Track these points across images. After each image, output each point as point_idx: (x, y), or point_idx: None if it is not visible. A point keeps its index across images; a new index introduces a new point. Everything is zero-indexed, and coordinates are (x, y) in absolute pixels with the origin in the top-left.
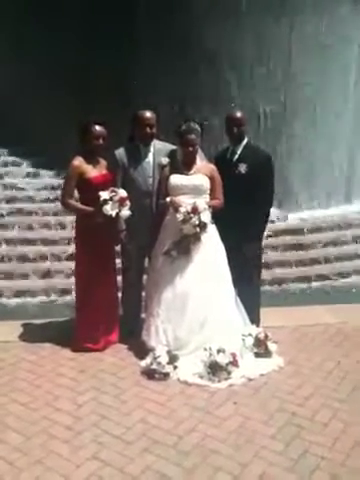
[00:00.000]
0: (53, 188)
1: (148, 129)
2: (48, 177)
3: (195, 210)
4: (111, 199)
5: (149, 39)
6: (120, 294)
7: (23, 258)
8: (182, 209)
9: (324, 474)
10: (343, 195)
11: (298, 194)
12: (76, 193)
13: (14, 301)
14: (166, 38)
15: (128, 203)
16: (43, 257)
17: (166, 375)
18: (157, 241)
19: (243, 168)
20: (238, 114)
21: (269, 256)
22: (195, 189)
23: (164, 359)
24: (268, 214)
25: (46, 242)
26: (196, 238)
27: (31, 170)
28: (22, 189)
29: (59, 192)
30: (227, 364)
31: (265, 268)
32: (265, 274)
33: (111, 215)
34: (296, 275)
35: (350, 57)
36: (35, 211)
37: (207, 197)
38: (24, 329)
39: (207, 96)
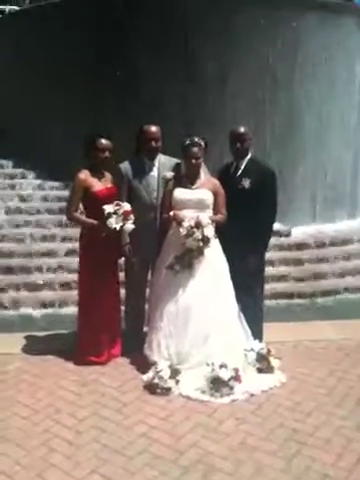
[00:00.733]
0: (59, 199)
1: (153, 143)
2: (53, 189)
3: (198, 224)
4: (115, 212)
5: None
6: (123, 307)
7: (27, 270)
8: (185, 223)
9: None
10: (347, 210)
11: (302, 208)
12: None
13: (17, 312)
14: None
15: (132, 217)
16: (47, 269)
17: (168, 390)
18: (160, 255)
19: (247, 183)
20: (242, 129)
21: (271, 270)
22: (199, 203)
23: (166, 373)
24: (271, 229)
25: (51, 254)
26: (199, 252)
27: (37, 182)
28: (28, 200)
29: (64, 203)
30: (229, 379)
31: (267, 282)
32: (267, 288)
33: (115, 228)
34: (299, 290)
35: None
36: (41, 222)
37: (210, 211)
38: (27, 341)
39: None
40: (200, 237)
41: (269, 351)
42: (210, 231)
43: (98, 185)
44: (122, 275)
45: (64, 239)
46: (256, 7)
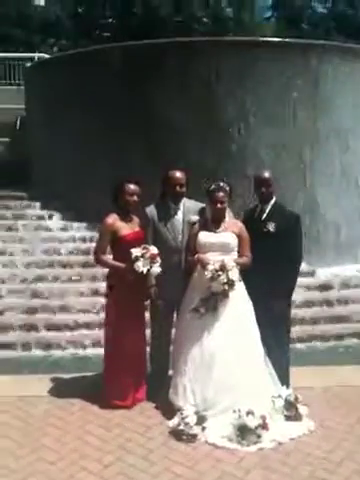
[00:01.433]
0: (84, 240)
1: (178, 188)
2: (79, 230)
3: (223, 268)
4: (143, 256)
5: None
6: (148, 350)
7: (53, 309)
8: (210, 267)
9: None
10: None
11: (326, 249)
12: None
13: (43, 353)
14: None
15: (159, 260)
16: (76, 310)
17: (194, 436)
18: (185, 298)
19: (272, 226)
20: (266, 175)
21: (297, 312)
22: (223, 246)
23: (192, 420)
24: (297, 272)
25: (77, 294)
26: (224, 295)
27: (63, 223)
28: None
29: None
30: (257, 427)
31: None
32: (293, 331)
33: (142, 272)
34: (325, 333)
35: None
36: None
37: (235, 254)
38: (54, 383)
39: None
40: (225, 280)
41: (297, 398)
42: (235, 274)
43: (126, 229)
44: (147, 317)
45: None
46: None
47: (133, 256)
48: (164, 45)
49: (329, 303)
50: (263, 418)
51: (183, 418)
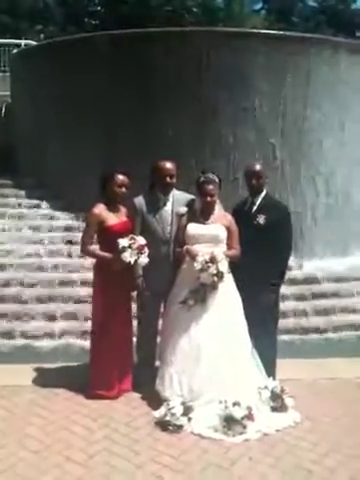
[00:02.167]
0: (70, 230)
1: (168, 179)
2: (65, 219)
3: (213, 259)
4: (130, 246)
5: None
6: (135, 341)
7: (38, 299)
8: (200, 258)
9: None
10: None
11: (314, 242)
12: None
13: (27, 342)
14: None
15: (146, 250)
16: (58, 299)
17: (180, 427)
18: (173, 289)
19: (262, 219)
20: (257, 167)
21: (284, 305)
22: (212, 238)
23: (178, 410)
24: (286, 265)
25: (63, 283)
26: (213, 287)
27: (49, 212)
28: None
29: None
30: (243, 418)
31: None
32: (280, 323)
33: (129, 262)
34: (312, 325)
35: None
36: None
37: (224, 246)
38: (39, 373)
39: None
40: (215, 272)
41: (283, 389)
42: (224, 266)
43: (113, 219)
44: (134, 307)
45: None
46: None
47: (120, 246)
48: (154, 34)
49: (315, 296)
50: (249, 409)
51: (169, 408)
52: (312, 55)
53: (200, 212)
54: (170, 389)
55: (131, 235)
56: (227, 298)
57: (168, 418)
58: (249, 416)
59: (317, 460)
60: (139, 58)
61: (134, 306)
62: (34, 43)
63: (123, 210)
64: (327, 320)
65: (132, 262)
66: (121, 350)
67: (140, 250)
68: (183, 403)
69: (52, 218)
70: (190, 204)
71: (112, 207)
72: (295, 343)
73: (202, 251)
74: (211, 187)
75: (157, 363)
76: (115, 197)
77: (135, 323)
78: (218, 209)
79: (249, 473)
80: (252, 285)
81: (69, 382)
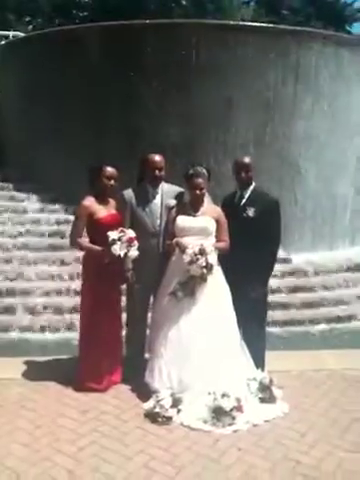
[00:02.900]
0: (59, 223)
1: (157, 172)
2: (54, 212)
3: (202, 251)
4: (119, 239)
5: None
6: (124, 333)
7: (27, 292)
8: (189, 250)
9: None
10: (349, 237)
11: (303, 235)
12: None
13: (18, 336)
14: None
15: (136, 243)
16: (46, 293)
17: (169, 419)
18: (162, 281)
19: (251, 212)
20: (246, 160)
21: (273, 298)
22: (201, 231)
23: (167, 402)
24: (275, 258)
25: (52, 277)
26: (202, 279)
27: (38, 205)
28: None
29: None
30: (231, 409)
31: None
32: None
33: (119, 255)
34: (300, 318)
35: None
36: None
37: (213, 239)
38: (29, 366)
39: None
40: (204, 264)
41: (271, 381)
42: (214, 258)
43: (102, 211)
44: (123, 300)
45: None
46: None
47: (110, 239)
48: (143, 26)
49: (303, 288)
50: (238, 400)
51: (158, 400)
52: (301, 48)
53: (189, 204)
54: (160, 381)
55: (121, 228)
56: (216, 290)
57: (157, 410)
58: (238, 407)
59: (305, 450)
60: (128, 49)
61: (123, 299)
62: (22, 35)
63: (112, 203)
64: (315, 312)
65: (122, 255)
66: (110, 343)
67: (130, 243)
68: (172, 395)
69: (42, 211)
70: (179, 197)
71: (101, 200)
72: (283, 335)
73: (192, 243)
74: (200, 180)
75: (146, 355)
76: (104, 189)
77: (124, 316)
78: (207, 202)
79: (238, 464)
80: (241, 277)
81: (58, 375)
